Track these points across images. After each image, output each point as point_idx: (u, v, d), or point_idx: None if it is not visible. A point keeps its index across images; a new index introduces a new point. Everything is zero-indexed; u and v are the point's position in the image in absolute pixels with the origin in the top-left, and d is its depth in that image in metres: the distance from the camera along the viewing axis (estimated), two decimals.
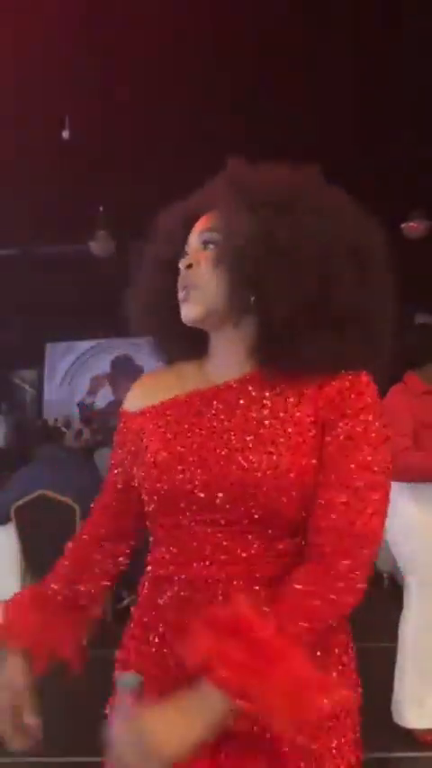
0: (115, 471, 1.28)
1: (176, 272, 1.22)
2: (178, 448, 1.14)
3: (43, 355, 11.62)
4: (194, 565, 1.12)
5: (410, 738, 2.82)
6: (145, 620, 1.18)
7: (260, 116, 4.60)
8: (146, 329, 1.32)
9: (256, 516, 1.07)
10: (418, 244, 6.78)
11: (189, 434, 1.15)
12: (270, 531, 1.08)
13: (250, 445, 1.09)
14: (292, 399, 1.12)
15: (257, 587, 1.07)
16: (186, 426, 1.17)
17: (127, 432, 1.26)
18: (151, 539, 1.20)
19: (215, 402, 1.17)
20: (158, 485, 1.13)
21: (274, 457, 1.07)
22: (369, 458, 1.05)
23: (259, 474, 1.06)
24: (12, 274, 8.43)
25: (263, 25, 4.03)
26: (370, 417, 1.08)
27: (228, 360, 1.20)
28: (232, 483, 1.07)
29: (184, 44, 4.13)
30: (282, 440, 1.08)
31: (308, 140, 4.43)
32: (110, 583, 1.27)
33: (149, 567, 1.19)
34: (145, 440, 1.20)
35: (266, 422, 1.11)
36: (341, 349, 1.09)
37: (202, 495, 1.09)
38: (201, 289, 1.16)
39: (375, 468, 1.05)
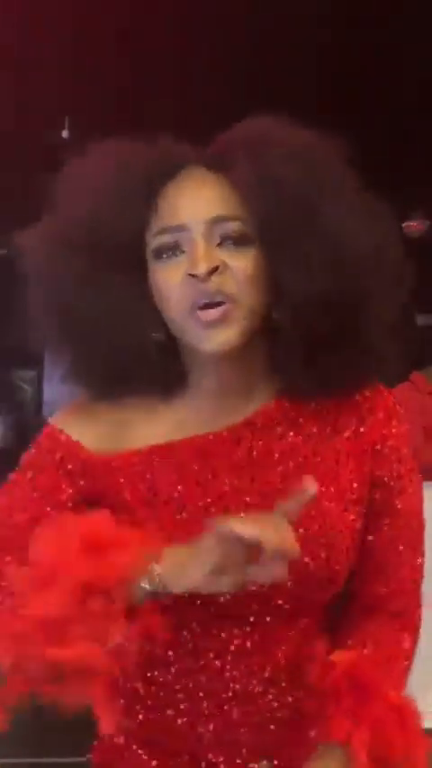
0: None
1: (121, 264, 0.94)
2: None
3: (43, 355, 11.56)
4: (205, 675, 0.94)
5: None
6: (152, 688, 0.98)
7: (259, 114, 4.60)
8: (79, 356, 1.00)
9: (318, 583, 0.93)
10: (418, 244, 6.77)
11: (225, 499, 0.89)
12: (319, 600, 0.97)
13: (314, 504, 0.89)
14: (332, 442, 0.95)
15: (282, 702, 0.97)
16: (219, 487, 0.89)
17: (91, 473, 0.97)
18: None
19: (238, 451, 0.91)
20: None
21: (342, 509, 0.94)
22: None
23: (336, 522, 0.92)
24: (12, 274, 8.42)
25: (264, 26, 4.04)
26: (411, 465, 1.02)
27: (230, 394, 0.94)
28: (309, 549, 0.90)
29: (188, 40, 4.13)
30: (342, 488, 0.95)
31: None
32: None
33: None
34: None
35: (317, 468, 0.93)
36: (366, 362, 0.97)
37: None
38: (240, 305, 0.88)
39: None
